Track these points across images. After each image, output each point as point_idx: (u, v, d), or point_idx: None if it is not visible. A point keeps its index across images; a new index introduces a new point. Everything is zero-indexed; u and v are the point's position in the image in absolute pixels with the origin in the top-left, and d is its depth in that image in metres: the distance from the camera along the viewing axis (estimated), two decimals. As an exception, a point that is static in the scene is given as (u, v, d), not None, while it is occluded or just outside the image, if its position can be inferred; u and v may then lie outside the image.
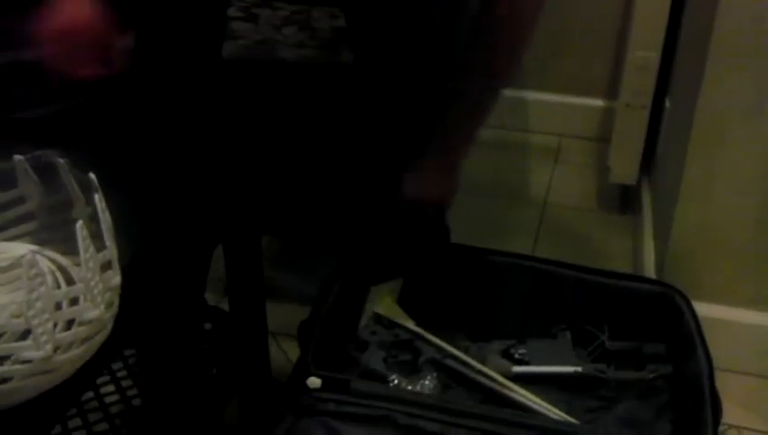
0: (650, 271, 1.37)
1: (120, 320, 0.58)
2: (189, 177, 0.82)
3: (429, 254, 1.18)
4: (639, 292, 1.09)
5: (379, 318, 1.13)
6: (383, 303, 1.15)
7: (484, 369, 1.05)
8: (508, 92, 2.13)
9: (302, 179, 1.42)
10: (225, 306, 1.15)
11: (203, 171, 0.84)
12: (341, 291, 1.06)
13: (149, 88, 1.00)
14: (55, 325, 0.52)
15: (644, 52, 1.59)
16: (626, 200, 1.81)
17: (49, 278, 0.52)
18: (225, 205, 0.81)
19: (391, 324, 1.12)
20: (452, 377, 1.07)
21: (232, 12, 1.58)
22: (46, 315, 0.50)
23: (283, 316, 1.38)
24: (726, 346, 1.21)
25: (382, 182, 1.35)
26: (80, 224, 0.52)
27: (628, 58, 1.63)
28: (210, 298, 1.21)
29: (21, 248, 0.62)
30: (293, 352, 1.25)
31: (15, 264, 0.54)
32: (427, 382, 1.05)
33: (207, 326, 1.03)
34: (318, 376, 0.90)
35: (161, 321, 0.79)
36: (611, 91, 2.06)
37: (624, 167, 1.68)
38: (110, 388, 0.94)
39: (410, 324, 1.11)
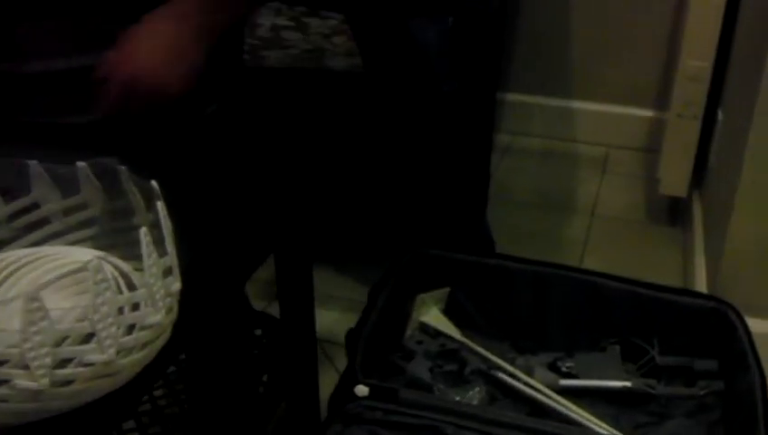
0: (701, 285, 1.34)
1: (178, 325, 0.59)
2: (244, 185, 0.83)
3: (474, 263, 1.18)
4: (691, 306, 1.07)
5: (425, 327, 1.13)
6: (429, 312, 1.15)
7: (531, 381, 1.04)
8: (555, 102, 2.12)
9: (353, 186, 1.43)
10: (271, 311, 1.17)
11: (258, 179, 0.85)
12: (388, 299, 1.06)
13: (205, 96, 1.02)
14: (118, 329, 0.53)
15: (696, 62, 1.57)
16: (675, 212, 1.79)
17: (113, 283, 0.53)
18: (279, 213, 0.82)
19: (437, 334, 1.12)
20: (498, 388, 1.06)
21: (282, 21, 1.60)
22: (110, 320, 0.51)
23: (329, 323, 1.39)
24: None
25: (428, 188, 1.35)
26: (143, 230, 0.53)
27: (680, 68, 1.60)
28: (258, 304, 1.23)
29: (83, 253, 0.64)
30: (338, 358, 1.26)
31: (80, 269, 0.55)
32: (473, 393, 1.05)
33: (258, 332, 1.04)
34: (366, 384, 0.90)
35: (214, 326, 0.80)
36: (660, 101, 2.03)
37: (674, 178, 1.66)
38: (163, 391, 0.95)
39: (456, 334, 1.11)
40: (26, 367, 0.50)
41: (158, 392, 0.95)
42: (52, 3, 0.85)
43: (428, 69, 1.22)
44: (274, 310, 1.09)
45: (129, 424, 0.89)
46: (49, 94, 0.87)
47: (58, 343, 0.53)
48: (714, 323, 1.06)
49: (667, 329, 1.09)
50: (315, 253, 1.55)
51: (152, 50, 0.84)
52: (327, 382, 0.98)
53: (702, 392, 1.02)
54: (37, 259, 0.64)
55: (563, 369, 1.08)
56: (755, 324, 1.03)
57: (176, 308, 0.59)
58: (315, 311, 1.00)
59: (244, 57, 1.43)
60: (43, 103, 0.87)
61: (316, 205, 1.14)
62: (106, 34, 0.85)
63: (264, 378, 0.99)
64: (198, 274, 0.67)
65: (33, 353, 0.49)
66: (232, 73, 1.17)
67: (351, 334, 1.04)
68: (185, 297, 0.60)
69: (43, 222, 0.67)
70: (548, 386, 1.05)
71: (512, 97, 2.15)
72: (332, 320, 1.41)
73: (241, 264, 0.74)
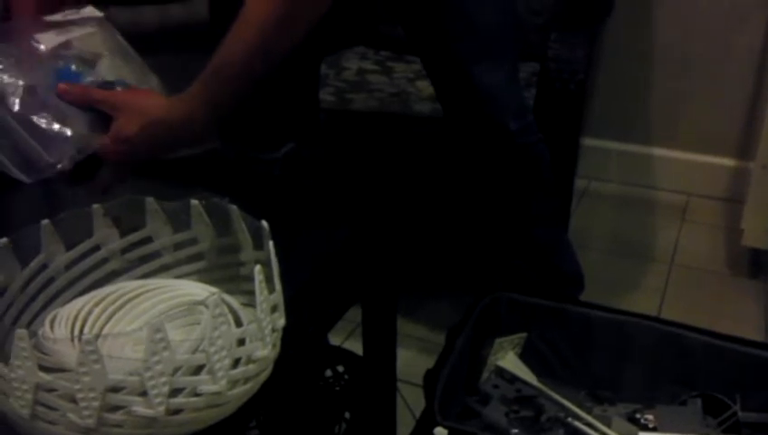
0: (785, 341, 1.31)
1: (279, 361, 0.62)
2: (333, 226, 0.86)
3: (553, 308, 1.17)
4: (776, 362, 1.05)
5: (501, 372, 1.14)
6: (506, 356, 1.15)
7: (609, 431, 1.03)
8: (636, 148, 2.11)
9: (436, 227, 1.45)
10: (348, 346, 1.19)
11: (347, 221, 0.87)
12: (466, 342, 1.07)
13: (280, 135, 1.05)
14: (233, 363, 0.56)
15: (783, 112, 1.55)
16: (757, 264, 1.75)
17: (230, 318, 0.56)
18: (369, 258, 0.85)
19: (513, 379, 1.12)
20: (575, 437, 1.05)
21: (368, 65, 1.65)
22: (224, 352, 0.54)
23: (402, 363, 1.40)
24: None
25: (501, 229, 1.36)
26: (258, 268, 0.56)
27: (767, 117, 1.58)
28: (334, 339, 1.25)
29: (192, 286, 0.68)
30: (411, 399, 1.26)
31: (200, 302, 0.58)
32: (550, 440, 1.05)
33: (340, 369, 1.06)
34: (444, 426, 0.91)
35: (306, 364, 0.83)
36: (743, 151, 2.00)
37: (758, 230, 1.63)
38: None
39: (533, 380, 1.11)
40: (144, 394, 0.53)
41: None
42: None
43: (494, 109, 1.24)
44: (349, 346, 1.12)
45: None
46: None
47: (173, 374, 0.56)
48: (799, 381, 1.03)
49: (749, 384, 1.06)
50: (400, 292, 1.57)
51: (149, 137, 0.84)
52: (401, 423, 0.99)
53: (786, 451, 1.00)
54: (148, 291, 0.68)
55: (642, 421, 1.07)
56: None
57: (278, 344, 0.61)
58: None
59: (330, 99, 1.48)
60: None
61: (403, 247, 1.16)
62: None
63: (347, 415, 1.01)
64: (296, 313, 0.70)
65: (153, 382, 0.52)
66: (309, 114, 1.21)
67: (430, 376, 1.05)
68: (288, 334, 0.63)
69: (154, 255, 0.71)
70: (627, 438, 1.04)
71: (589, 142, 2.15)
72: (407, 360, 1.42)
73: (333, 306, 0.76)
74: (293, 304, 0.69)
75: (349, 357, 1.06)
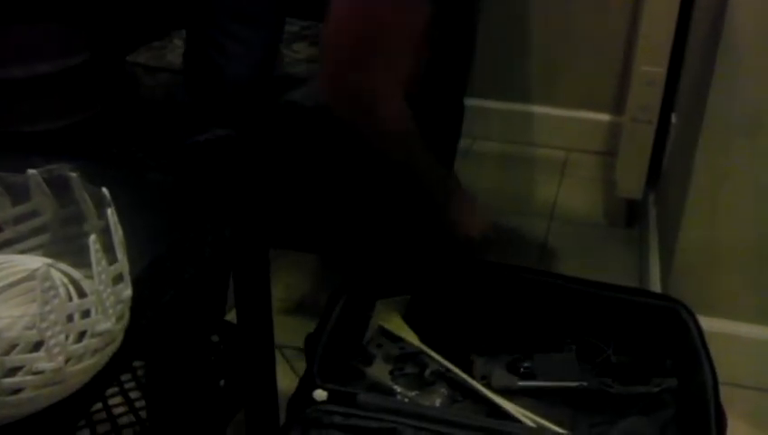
0: (656, 285, 1.37)
1: (129, 332, 0.59)
2: (201, 188, 0.83)
3: (435, 268, 1.18)
4: (645, 306, 1.09)
5: (384, 332, 1.14)
6: (389, 318, 1.15)
7: (478, 386, 1.05)
8: (515, 106, 2.15)
9: (312, 191, 1.43)
10: (230, 318, 1.17)
11: (214, 183, 0.85)
12: (347, 304, 1.07)
13: (162, 100, 1.02)
14: (67, 337, 0.52)
15: (651, 67, 1.60)
16: (632, 215, 1.82)
17: (62, 291, 0.53)
18: (234, 216, 0.82)
19: (397, 339, 1.12)
20: (458, 390, 1.07)
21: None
22: (59, 327, 0.51)
23: (288, 329, 1.39)
24: (732, 361, 1.22)
25: (393, 196, 1.36)
26: (93, 238, 0.53)
27: (635, 73, 1.64)
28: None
29: (34, 261, 0.63)
30: (299, 364, 1.26)
31: (29, 276, 0.55)
32: (433, 396, 1.06)
33: (215, 338, 1.03)
34: (324, 389, 0.91)
35: (170, 333, 0.80)
36: (618, 106, 2.07)
37: (630, 181, 1.69)
38: (119, 399, 0.95)
39: (415, 340, 1.12)
40: (-27, 377, 0.49)
41: (114, 401, 0.94)
42: (32, 6, 0.85)
43: None
44: (232, 317, 1.09)
45: (85, 433, 0.89)
46: (11, 101, 0.87)
47: (6, 352, 0.52)
48: (667, 322, 1.08)
49: (622, 329, 1.11)
50: (275, 259, 1.55)
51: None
52: (288, 388, 0.98)
53: (656, 390, 1.04)
54: (-15, 268, 0.63)
55: (522, 370, 1.09)
56: (707, 323, 1.06)
57: (127, 315, 0.58)
58: (278, 317, 1.00)
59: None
60: (22, 110, 0.87)
61: (274, 209, 1.14)
62: (84, 39, 0.86)
63: (222, 383, 0.99)
64: (153, 279, 0.67)
65: (-21, 363, 0.48)
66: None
67: (310, 339, 1.04)
68: (140, 304, 0.60)
69: (-8, 231, 0.66)
70: (507, 387, 1.06)
71: (472, 102, 2.17)
72: (294, 326, 1.41)
73: (196, 267, 0.73)
74: (150, 272, 0.66)
75: (224, 326, 1.04)
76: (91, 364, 0.54)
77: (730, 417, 0.96)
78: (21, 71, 0.85)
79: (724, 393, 0.95)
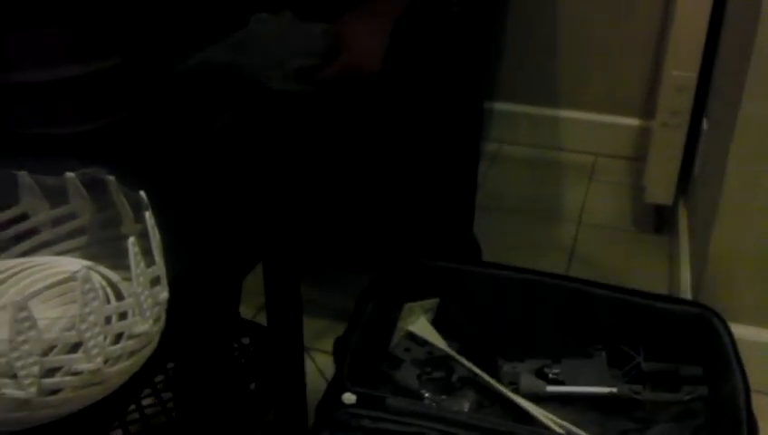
0: (686, 292, 1.36)
1: (165, 335, 0.60)
2: (231, 192, 0.84)
3: (462, 271, 1.18)
4: (675, 313, 1.09)
5: (412, 336, 1.14)
6: (417, 321, 1.15)
7: (506, 391, 1.05)
8: (543, 111, 2.14)
9: (341, 195, 1.44)
10: (260, 320, 1.17)
11: (248, 188, 0.85)
12: (376, 308, 1.07)
13: (191, 105, 1.03)
14: (105, 339, 0.53)
15: (681, 71, 1.59)
16: (661, 220, 1.80)
17: (101, 293, 0.54)
18: (268, 221, 0.83)
19: (424, 343, 1.12)
20: (486, 395, 1.07)
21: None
22: (98, 329, 0.51)
23: (316, 331, 1.40)
24: (764, 369, 1.20)
25: (416, 197, 1.36)
26: (131, 240, 0.54)
27: (665, 78, 1.62)
28: (246, 312, 1.23)
29: (72, 263, 0.64)
30: (326, 367, 1.26)
31: (68, 278, 0.56)
32: (461, 401, 1.06)
33: (245, 341, 1.04)
34: (353, 392, 0.91)
35: (200, 335, 0.81)
36: (647, 110, 2.05)
37: (660, 186, 1.67)
38: (151, 400, 0.96)
39: (442, 344, 1.12)
40: (14, 376, 0.50)
41: (146, 402, 0.95)
42: (40, 11, 0.86)
43: None
44: (263, 319, 1.10)
45: (117, 433, 0.90)
46: (40, 104, 0.88)
47: (46, 353, 0.53)
48: (698, 330, 1.07)
49: (652, 335, 1.10)
50: (304, 262, 1.56)
51: (372, 40, 1.11)
52: (316, 392, 0.99)
53: (687, 398, 1.03)
54: (25, 269, 0.64)
55: (550, 375, 1.09)
56: (739, 330, 1.04)
57: (163, 317, 0.59)
58: (305, 320, 1.01)
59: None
60: (35, 114, 0.88)
61: (306, 213, 1.15)
62: (95, 43, 0.86)
63: (252, 386, 1.00)
64: (188, 283, 0.68)
65: (20, 363, 0.49)
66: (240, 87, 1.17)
67: (339, 343, 1.05)
68: (173, 307, 0.61)
69: (31, 232, 0.68)
70: (535, 393, 1.06)
71: (499, 106, 2.17)
72: (322, 329, 1.42)
73: (229, 272, 0.74)
74: (185, 276, 0.67)
75: (254, 329, 1.04)
76: (128, 366, 0.55)
77: (762, 425, 0.95)
78: (47, 74, 0.86)
79: (756, 401, 0.94)
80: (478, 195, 1.52)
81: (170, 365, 0.99)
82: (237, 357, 1.02)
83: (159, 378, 0.97)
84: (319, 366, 1.32)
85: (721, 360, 1.01)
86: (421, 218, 1.36)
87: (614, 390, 1.05)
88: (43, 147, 0.85)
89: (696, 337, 1.08)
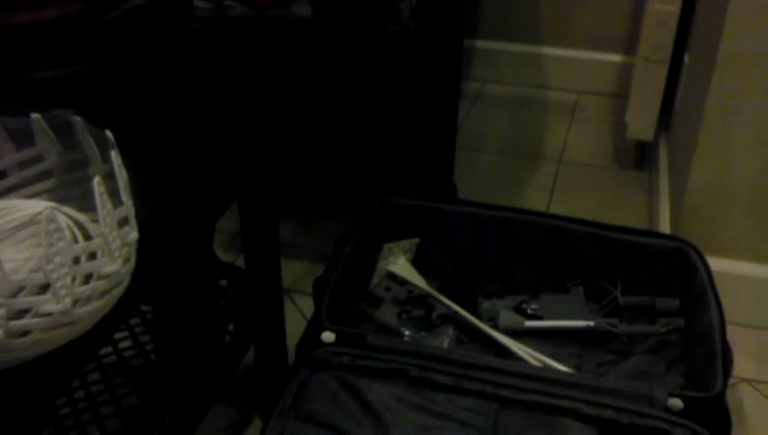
0: (665, 226, 1.37)
1: (137, 275, 0.60)
2: (204, 131, 0.83)
3: (441, 210, 1.18)
4: (653, 246, 1.09)
5: (392, 275, 1.15)
6: (397, 261, 1.16)
7: (484, 327, 1.06)
8: (525, 48, 2.12)
9: (318, 135, 1.42)
10: (240, 263, 1.18)
11: (221, 128, 0.84)
12: (355, 248, 1.07)
13: (162, 45, 1.01)
14: (74, 280, 0.53)
15: (663, 5, 1.57)
16: (642, 156, 1.80)
17: (67, 233, 0.53)
18: (242, 160, 0.82)
19: (404, 282, 1.13)
20: (465, 332, 1.08)
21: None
22: (65, 270, 0.51)
23: (297, 274, 1.40)
24: (740, 301, 1.22)
25: (388, 137, 1.35)
26: (97, 180, 0.53)
27: (648, 12, 1.60)
28: (225, 255, 1.23)
29: (39, 205, 0.64)
30: (307, 308, 1.27)
31: (34, 220, 0.55)
32: (440, 337, 1.07)
33: (223, 283, 1.04)
34: (332, 331, 0.92)
35: (176, 276, 0.80)
36: (630, 47, 2.03)
37: (641, 122, 1.67)
38: (128, 343, 0.96)
39: (422, 283, 1.12)
40: (-18, 319, 0.50)
41: (124, 344, 0.96)
42: None
43: (372, 10, 1.21)
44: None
45: (95, 376, 0.90)
46: (36, 46, 0.86)
47: (14, 295, 0.53)
48: (675, 263, 1.08)
49: (629, 269, 1.11)
50: (285, 205, 1.55)
51: None
52: (298, 333, 1.00)
53: (663, 330, 1.05)
54: (-8, 212, 0.63)
55: (528, 311, 1.10)
56: (716, 263, 1.05)
57: (134, 258, 0.59)
58: (286, 263, 1.01)
59: (205, 5, 1.41)
60: (29, 56, 0.86)
61: (282, 154, 1.14)
62: None
63: (231, 327, 1.00)
64: (159, 223, 0.67)
65: (-13, 305, 0.49)
66: (186, 28, 1.15)
67: (318, 283, 1.05)
68: (145, 247, 0.61)
69: (-2, 176, 0.67)
70: (513, 328, 1.07)
71: (481, 44, 2.14)
72: (302, 270, 1.42)
73: (202, 212, 0.74)
74: (156, 215, 0.66)
75: (232, 271, 1.04)
76: (99, 306, 0.55)
77: (738, 356, 0.97)
78: (25, 16, 0.84)
79: (732, 332, 0.95)
80: (460, 135, 1.52)
81: (147, 308, 1.00)
82: (215, 299, 1.02)
83: (136, 321, 0.98)
84: (300, 308, 1.33)
85: (697, 292, 1.02)
86: (400, 159, 1.36)
87: (591, 323, 1.06)
88: (9, 90, 0.83)
89: (672, 270, 1.08)
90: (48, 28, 0.86)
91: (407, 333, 1.06)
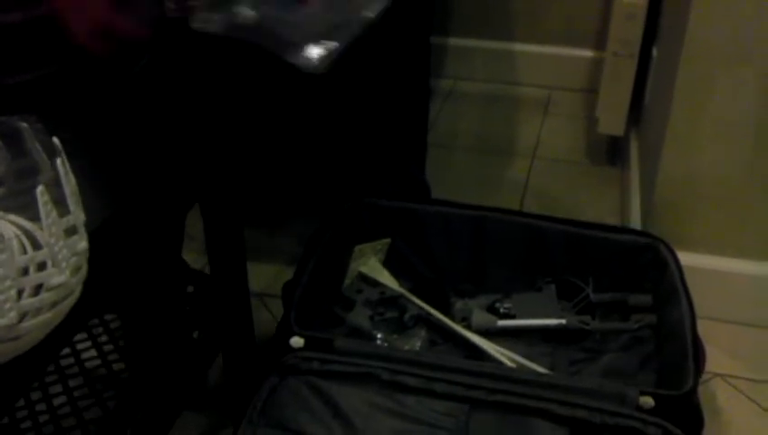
0: (637, 223, 1.36)
1: (91, 285, 0.58)
2: (165, 133, 0.81)
3: (413, 210, 1.17)
4: (624, 243, 1.09)
5: (363, 277, 1.13)
6: (368, 263, 1.14)
7: (457, 328, 1.05)
8: (497, 45, 2.11)
9: (287, 137, 1.41)
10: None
11: (179, 127, 0.82)
12: (325, 250, 1.06)
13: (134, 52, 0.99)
14: (21, 292, 0.51)
15: (631, -1, 1.57)
16: (614, 152, 1.80)
17: (15, 243, 0.51)
18: (203, 162, 0.80)
19: (376, 283, 1.12)
20: (439, 333, 1.07)
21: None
22: (9, 282, 0.49)
23: (269, 277, 1.38)
24: (712, 295, 1.22)
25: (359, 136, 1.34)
26: (40, 189, 0.51)
27: (616, 6, 1.60)
28: (195, 260, 1.21)
29: (-13, 216, 0.62)
30: (280, 312, 1.25)
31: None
32: (413, 339, 1.06)
33: (190, 289, 1.02)
34: (301, 335, 0.90)
35: (139, 284, 0.79)
36: (601, 42, 2.03)
37: (612, 117, 1.66)
38: (92, 353, 0.94)
39: (394, 285, 1.11)
40: None
41: (86, 354, 0.94)
42: None
43: None
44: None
45: (57, 388, 0.88)
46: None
47: (-42, 310, 0.51)
48: (646, 259, 1.08)
49: (601, 266, 1.10)
50: (255, 207, 1.52)
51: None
52: (270, 338, 0.98)
53: (636, 326, 1.04)
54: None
55: (501, 310, 1.09)
56: (687, 258, 1.05)
57: (85, 267, 0.57)
58: (258, 266, 0.99)
59: (173, 6, 1.38)
60: None
61: (248, 156, 1.12)
62: None
63: (197, 334, 0.98)
64: (119, 227, 0.66)
65: (-73, 321, 0.47)
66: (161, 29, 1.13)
67: (287, 287, 1.04)
68: (100, 254, 0.59)
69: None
70: (486, 328, 1.06)
71: (453, 42, 2.13)
72: (275, 273, 1.40)
73: (160, 215, 0.72)
74: (112, 222, 0.64)
75: (199, 277, 1.02)
76: (48, 319, 0.53)
77: (711, 351, 0.97)
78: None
79: (704, 327, 0.95)
80: (432, 133, 1.50)
81: (111, 317, 0.98)
82: (182, 305, 1.00)
83: (100, 331, 0.96)
84: (273, 312, 1.31)
85: (668, 288, 1.02)
86: (372, 159, 1.34)
87: (563, 321, 1.06)
88: None
89: (644, 266, 1.08)
90: (12, 32, 0.83)
91: (379, 335, 1.05)
